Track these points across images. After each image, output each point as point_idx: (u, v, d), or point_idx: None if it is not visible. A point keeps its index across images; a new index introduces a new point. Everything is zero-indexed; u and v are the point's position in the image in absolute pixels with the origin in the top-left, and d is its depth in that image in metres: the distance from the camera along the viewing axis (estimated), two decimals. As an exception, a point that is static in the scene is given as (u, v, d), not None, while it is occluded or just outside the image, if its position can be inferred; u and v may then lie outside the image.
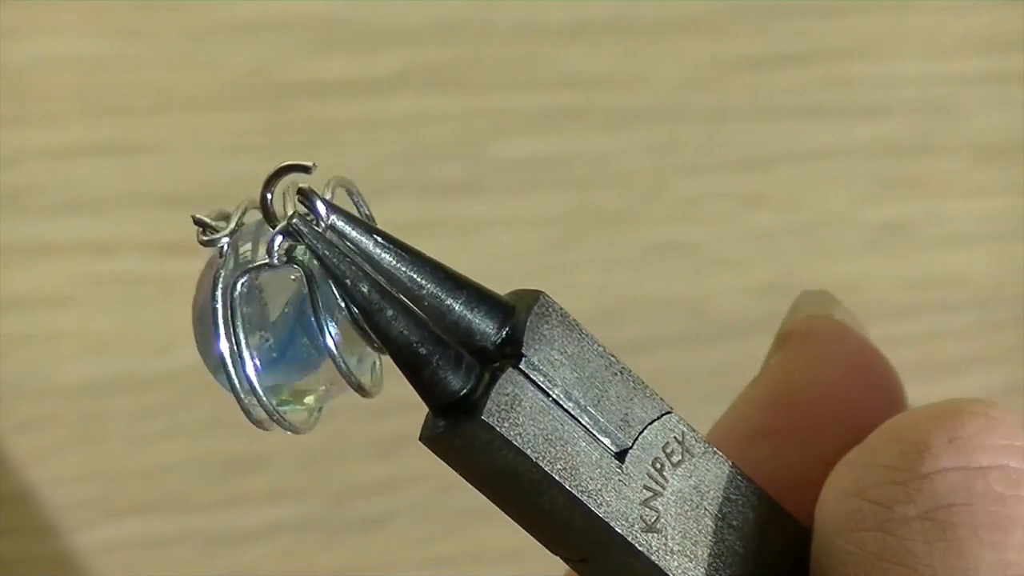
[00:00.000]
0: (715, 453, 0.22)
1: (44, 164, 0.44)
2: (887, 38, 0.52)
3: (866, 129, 0.51)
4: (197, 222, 0.21)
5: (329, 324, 0.21)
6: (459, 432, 0.21)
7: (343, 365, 0.21)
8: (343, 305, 0.21)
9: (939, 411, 0.22)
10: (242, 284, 0.21)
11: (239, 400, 0.21)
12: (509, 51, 0.49)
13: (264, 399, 0.21)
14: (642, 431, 0.21)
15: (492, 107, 0.48)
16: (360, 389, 0.21)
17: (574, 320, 0.22)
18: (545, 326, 0.21)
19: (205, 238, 0.21)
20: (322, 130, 0.47)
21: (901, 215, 0.50)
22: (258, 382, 0.21)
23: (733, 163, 0.49)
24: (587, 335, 0.22)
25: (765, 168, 0.49)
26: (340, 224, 0.21)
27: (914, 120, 0.51)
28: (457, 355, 0.21)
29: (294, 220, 0.20)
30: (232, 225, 0.21)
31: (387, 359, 0.22)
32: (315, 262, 0.20)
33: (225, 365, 0.21)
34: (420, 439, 0.21)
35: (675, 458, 0.22)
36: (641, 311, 0.47)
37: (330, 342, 0.21)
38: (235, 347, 0.21)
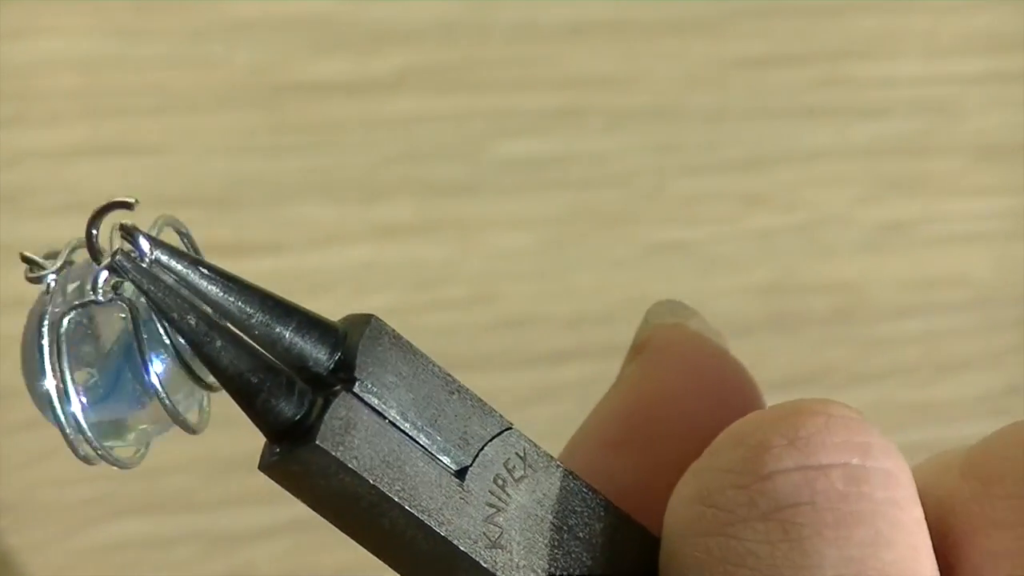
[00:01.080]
0: (558, 467, 0.22)
1: (44, 164, 0.44)
2: (887, 38, 0.52)
3: (866, 129, 0.51)
4: (25, 259, 0.22)
5: (154, 361, 0.21)
6: (295, 458, 0.21)
7: (168, 402, 0.21)
8: (169, 341, 0.21)
9: (779, 412, 0.22)
10: (68, 320, 0.21)
11: (65, 437, 0.21)
12: (509, 51, 0.49)
13: (90, 436, 0.21)
14: (482, 448, 0.21)
15: (492, 107, 0.48)
16: (185, 426, 0.21)
17: (407, 341, 0.22)
18: (378, 348, 0.21)
19: (31, 275, 0.22)
20: (322, 130, 0.47)
21: (901, 215, 0.50)
22: (84, 419, 0.21)
23: (733, 163, 0.49)
24: (421, 355, 0.21)
25: (765, 168, 0.49)
26: (164, 258, 0.21)
27: (914, 120, 0.51)
28: (289, 382, 0.21)
29: (117, 257, 0.20)
30: (60, 262, 0.22)
31: (217, 395, 0.22)
32: (142, 298, 0.21)
33: (51, 402, 0.21)
34: (259, 468, 0.21)
35: (517, 473, 0.21)
36: (641, 311, 0.47)
37: (155, 379, 0.21)
38: (61, 384, 0.21)
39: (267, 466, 0.21)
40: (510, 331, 0.45)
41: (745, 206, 0.49)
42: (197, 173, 0.45)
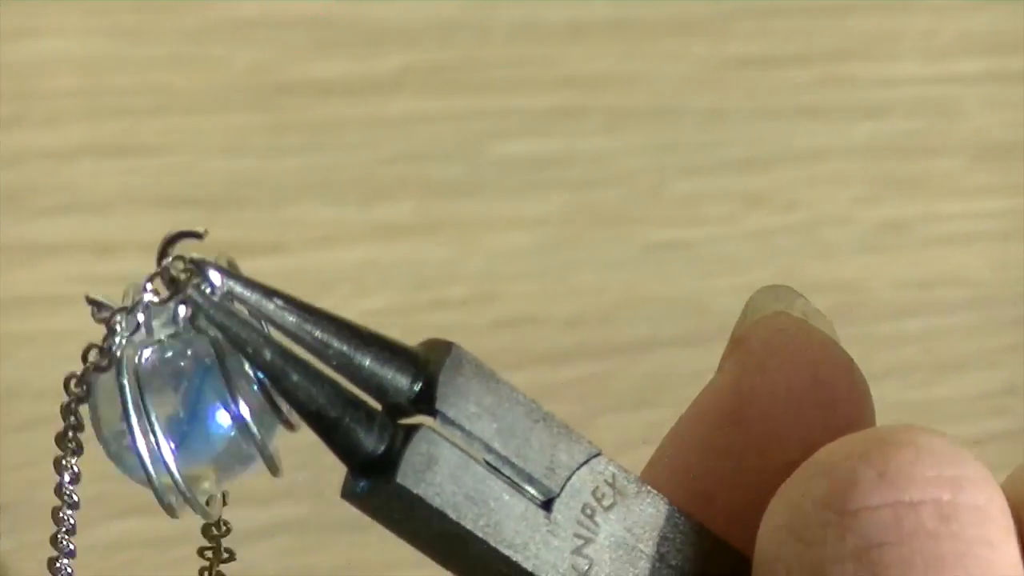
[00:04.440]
0: (649, 492, 0.21)
1: (44, 164, 0.44)
2: (887, 38, 0.52)
3: (865, 129, 0.51)
4: (90, 301, 0.21)
5: (237, 395, 0.20)
6: (376, 493, 0.20)
7: (257, 436, 0.21)
8: (252, 374, 0.20)
9: (868, 441, 0.21)
10: (145, 359, 0.20)
11: (150, 483, 0.20)
12: (509, 51, 0.49)
13: (178, 480, 0.20)
14: (569, 477, 0.21)
15: (492, 107, 0.48)
16: (271, 461, 0.21)
17: (490, 369, 0.21)
18: (460, 378, 0.21)
19: (99, 316, 0.21)
20: (322, 130, 0.47)
21: (900, 215, 0.50)
22: (172, 464, 0.20)
23: (732, 163, 0.49)
24: (504, 384, 0.21)
25: (765, 168, 0.49)
26: (239, 290, 0.20)
27: (913, 120, 0.51)
28: (369, 414, 0.20)
29: (190, 291, 0.20)
30: (129, 301, 0.21)
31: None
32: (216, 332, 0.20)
33: (137, 448, 0.20)
34: (341, 496, 0.21)
35: (606, 502, 0.21)
36: (641, 311, 0.47)
37: (245, 412, 0.20)
38: (147, 428, 0.20)
39: (350, 498, 0.21)
40: (510, 331, 0.45)
41: (745, 206, 0.49)
42: (197, 173, 0.45)
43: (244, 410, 0.20)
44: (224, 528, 0.24)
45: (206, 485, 0.21)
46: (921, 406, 0.46)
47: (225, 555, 0.25)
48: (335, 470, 0.47)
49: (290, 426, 0.21)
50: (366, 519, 0.41)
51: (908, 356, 0.47)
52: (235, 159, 0.46)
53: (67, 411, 0.21)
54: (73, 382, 0.21)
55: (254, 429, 0.21)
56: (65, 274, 0.43)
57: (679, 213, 0.48)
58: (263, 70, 0.47)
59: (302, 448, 0.45)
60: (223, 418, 0.20)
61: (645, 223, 0.48)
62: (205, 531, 0.24)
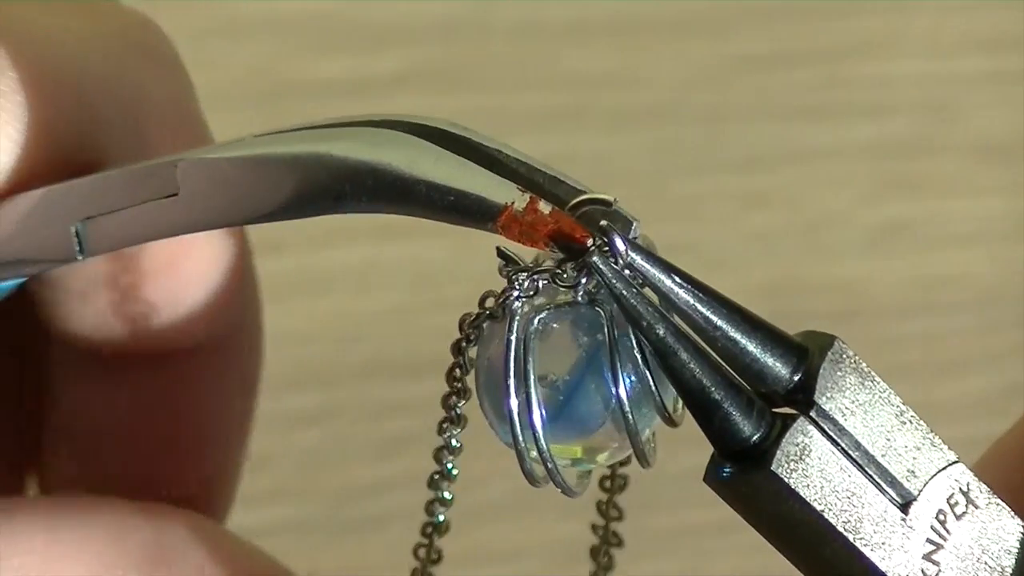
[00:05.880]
0: (999, 505, 0.22)
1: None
2: (887, 38, 0.52)
3: (866, 129, 0.51)
4: (501, 255, 0.21)
5: (624, 373, 0.20)
6: (746, 481, 0.20)
7: (631, 420, 0.20)
8: (638, 356, 0.20)
9: None
10: (539, 322, 0.20)
11: (516, 447, 0.20)
12: (509, 51, 0.49)
13: (544, 448, 0.20)
14: (928, 482, 0.21)
15: (492, 107, 0.48)
16: (641, 452, 0.21)
17: (867, 367, 0.21)
18: (838, 372, 0.21)
19: (507, 270, 0.21)
20: (322, 130, 0.47)
21: (901, 215, 0.50)
22: (541, 431, 0.20)
23: (733, 163, 0.49)
24: (879, 382, 0.21)
25: (765, 168, 0.49)
26: (639, 262, 0.20)
27: (914, 120, 0.51)
28: (749, 400, 0.20)
29: (593, 257, 0.20)
30: (539, 265, 0.21)
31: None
32: (611, 303, 0.20)
33: (510, 410, 0.20)
34: (704, 480, 0.21)
35: (958, 510, 0.21)
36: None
37: (622, 393, 0.20)
38: (523, 387, 0.20)
39: (715, 483, 0.21)
40: (510, 331, 0.45)
41: (745, 206, 0.49)
42: (197, 173, 0.45)
43: (623, 394, 0.20)
44: (617, 513, 0.24)
45: (578, 458, 0.21)
46: (922, 407, 0.46)
47: (614, 540, 0.25)
48: (335, 471, 0.47)
49: (671, 422, 0.21)
50: (366, 520, 0.40)
51: (909, 357, 0.47)
52: (235, 159, 0.46)
53: (457, 349, 0.21)
54: (467, 322, 0.21)
55: (628, 413, 0.20)
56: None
57: (679, 213, 0.48)
58: (263, 70, 0.46)
59: (303, 449, 0.45)
60: (602, 399, 0.20)
61: (645, 223, 0.48)
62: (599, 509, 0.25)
